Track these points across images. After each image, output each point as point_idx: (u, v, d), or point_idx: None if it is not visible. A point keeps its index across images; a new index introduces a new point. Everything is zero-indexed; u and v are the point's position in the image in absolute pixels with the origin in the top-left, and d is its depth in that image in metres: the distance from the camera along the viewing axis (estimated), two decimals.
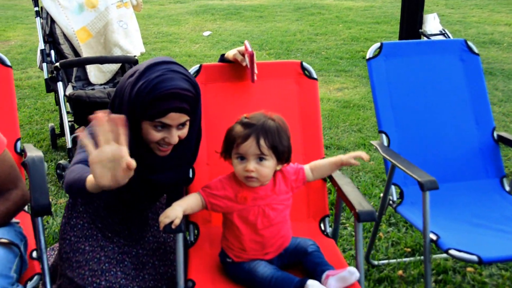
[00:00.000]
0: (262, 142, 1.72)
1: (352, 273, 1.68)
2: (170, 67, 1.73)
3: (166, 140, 1.75)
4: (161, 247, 2.10)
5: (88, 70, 3.76)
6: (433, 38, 5.57)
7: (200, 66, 2.27)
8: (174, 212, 1.75)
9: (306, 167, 1.95)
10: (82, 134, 1.42)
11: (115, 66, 3.78)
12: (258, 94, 2.28)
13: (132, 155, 1.46)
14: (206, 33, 7.88)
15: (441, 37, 5.69)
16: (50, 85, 3.61)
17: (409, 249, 2.69)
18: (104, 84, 3.78)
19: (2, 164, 1.83)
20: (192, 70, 2.26)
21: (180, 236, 1.80)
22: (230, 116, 2.24)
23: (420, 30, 6.08)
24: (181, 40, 7.52)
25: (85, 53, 3.73)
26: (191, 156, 2.02)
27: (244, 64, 2.21)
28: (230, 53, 2.27)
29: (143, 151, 1.81)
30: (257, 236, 1.80)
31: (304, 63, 2.33)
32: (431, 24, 6.06)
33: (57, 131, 4.01)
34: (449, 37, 5.54)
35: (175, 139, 1.75)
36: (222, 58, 2.30)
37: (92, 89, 3.55)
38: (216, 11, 9.55)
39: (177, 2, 10.82)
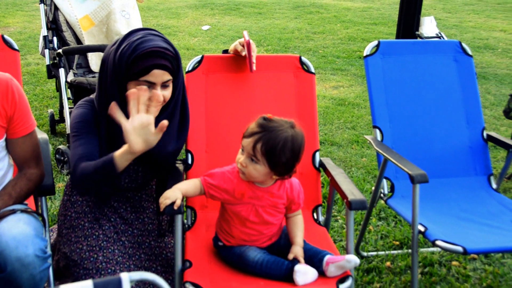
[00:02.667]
0: (258, 146, 1.75)
1: (350, 261, 1.75)
2: (149, 32, 1.87)
3: (152, 98, 1.79)
4: (156, 229, 2.17)
5: (89, 58, 3.81)
6: None
7: (202, 57, 2.34)
8: (174, 194, 1.82)
9: (298, 211, 1.95)
10: (115, 107, 1.66)
11: None
12: (258, 86, 2.36)
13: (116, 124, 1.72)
14: (205, 27, 7.93)
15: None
16: (52, 71, 3.66)
17: (397, 242, 2.78)
18: None
19: (30, 141, 1.94)
20: (194, 60, 2.34)
21: (179, 217, 1.87)
22: (229, 106, 2.33)
23: (416, 33, 6.17)
24: (180, 33, 7.57)
25: (87, 41, 3.79)
26: (179, 125, 2.06)
27: (243, 54, 2.28)
28: (232, 46, 2.34)
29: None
30: (246, 228, 1.87)
31: (302, 58, 2.40)
32: (428, 27, 6.15)
33: (56, 117, 4.06)
34: None
35: (160, 97, 1.84)
36: (225, 52, 2.37)
37: (93, 77, 3.61)
38: (215, 6, 9.61)
39: None
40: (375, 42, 2.56)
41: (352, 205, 1.87)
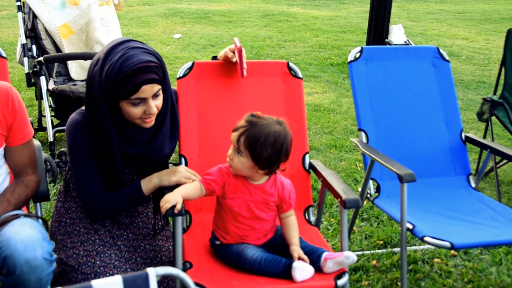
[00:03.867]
0: (242, 139, 1.84)
1: (349, 257, 1.82)
2: (129, 45, 1.86)
3: (147, 112, 1.90)
4: (150, 233, 2.19)
5: (69, 66, 3.80)
6: None
7: (193, 63, 2.39)
8: (175, 197, 1.86)
9: (290, 211, 1.99)
10: None
11: None
12: (248, 91, 2.42)
13: (112, 146, 1.91)
14: (177, 36, 7.96)
15: None
16: (32, 80, 3.63)
17: (381, 242, 2.87)
18: (85, 80, 3.83)
19: (28, 149, 1.97)
20: (185, 67, 2.38)
21: (179, 220, 1.91)
22: (220, 111, 2.38)
23: (386, 40, 6.36)
24: (152, 42, 7.57)
25: (67, 49, 3.78)
26: (171, 126, 2.13)
27: (234, 60, 2.33)
28: (222, 52, 2.39)
29: (131, 130, 1.96)
30: (238, 223, 1.93)
31: (290, 63, 2.48)
32: (396, 34, 6.35)
33: (35, 125, 4.03)
34: None
35: (154, 109, 1.90)
36: (214, 59, 2.43)
37: (74, 85, 3.61)
38: (185, 14, 9.64)
39: (145, 4, 10.85)
40: (358, 48, 2.66)
41: (346, 204, 1.95)
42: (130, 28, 8.46)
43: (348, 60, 2.65)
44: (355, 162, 3.90)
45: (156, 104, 1.91)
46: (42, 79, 3.43)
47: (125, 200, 2.01)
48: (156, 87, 1.88)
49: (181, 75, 2.36)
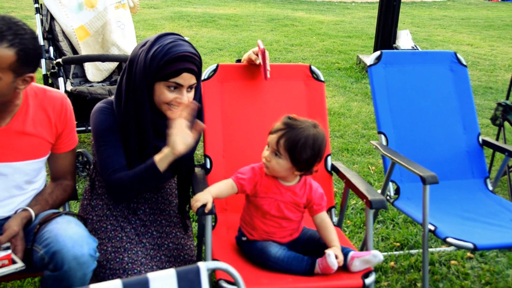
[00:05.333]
0: (281, 142, 1.90)
1: (376, 256, 1.86)
2: (179, 37, 1.98)
3: (178, 100, 1.94)
4: (173, 232, 2.22)
5: (85, 68, 3.84)
6: None
7: (217, 66, 2.43)
8: (205, 197, 1.90)
9: (323, 213, 2.03)
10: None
11: (112, 65, 3.88)
12: (271, 93, 2.46)
13: (146, 120, 1.93)
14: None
15: None
16: (49, 81, 3.67)
17: (397, 244, 2.90)
18: (101, 82, 3.87)
19: (70, 156, 2.04)
20: (209, 69, 2.42)
21: (209, 218, 1.95)
22: (244, 112, 2.42)
23: (393, 45, 6.42)
24: None
25: (83, 51, 3.82)
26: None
27: (258, 62, 2.37)
28: (245, 55, 2.43)
29: (156, 117, 1.99)
30: (266, 220, 1.98)
31: (312, 67, 2.52)
32: (404, 39, 6.42)
33: None
34: None
35: (185, 99, 1.94)
36: (238, 62, 2.47)
37: (91, 86, 3.64)
38: (191, 18, 9.69)
39: (150, 7, 10.89)
40: (377, 53, 2.71)
41: (372, 204, 1.98)
42: (138, 31, 8.47)
43: (368, 64, 2.69)
44: (368, 165, 3.94)
45: (188, 97, 1.97)
46: (60, 80, 3.46)
47: (140, 178, 1.94)
48: (193, 80, 1.95)
49: (205, 77, 2.40)
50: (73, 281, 1.65)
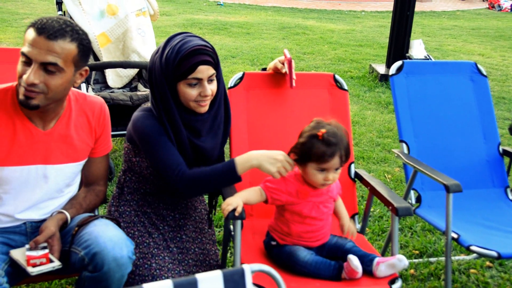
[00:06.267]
0: (344, 158, 1.96)
1: (401, 260, 1.89)
2: (187, 34, 2.02)
3: (202, 93, 1.98)
4: (199, 237, 2.27)
5: (106, 74, 3.90)
6: None
7: (243, 74, 2.48)
8: (236, 201, 1.94)
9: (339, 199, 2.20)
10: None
11: (133, 72, 3.94)
12: (295, 101, 2.50)
13: (177, 121, 1.97)
14: None
15: None
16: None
17: (417, 251, 2.93)
18: (121, 88, 3.93)
19: (105, 161, 2.09)
20: (235, 77, 2.47)
21: (238, 223, 1.99)
22: (269, 120, 2.46)
23: (406, 54, 6.46)
24: None
25: (104, 58, 3.88)
26: (223, 121, 2.19)
27: (283, 71, 2.42)
28: (271, 64, 2.48)
29: (186, 115, 2.03)
30: (305, 225, 2.02)
31: (336, 76, 2.57)
32: (417, 49, 6.46)
33: None
34: None
35: (208, 91, 1.98)
36: (264, 70, 2.52)
37: (112, 92, 3.70)
38: (203, 25, 9.77)
39: (163, 14, 10.98)
40: (399, 63, 2.75)
41: (398, 212, 2.02)
42: None
43: (390, 73, 2.73)
44: (384, 174, 3.97)
45: (211, 88, 2.00)
46: (83, 86, 3.52)
47: (215, 176, 1.97)
48: (211, 70, 1.97)
49: (231, 85, 2.44)
50: (111, 282, 1.70)
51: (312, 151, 1.92)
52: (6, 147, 1.80)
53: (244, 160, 1.96)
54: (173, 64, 1.93)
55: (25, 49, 1.70)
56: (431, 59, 6.35)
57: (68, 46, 1.71)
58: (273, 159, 1.93)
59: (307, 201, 1.99)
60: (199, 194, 2.10)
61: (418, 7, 11.37)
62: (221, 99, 2.13)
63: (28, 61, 1.70)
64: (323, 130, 1.93)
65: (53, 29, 1.69)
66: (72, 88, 1.91)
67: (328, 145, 1.91)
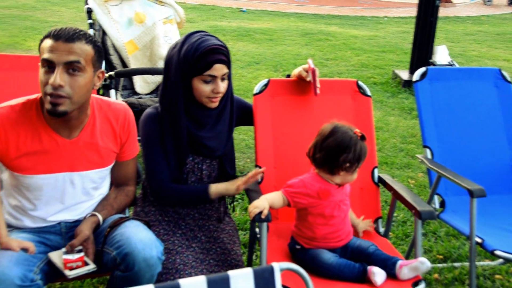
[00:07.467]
0: (360, 162, 2.09)
1: (424, 263, 1.93)
2: (204, 33, 2.15)
3: (215, 90, 2.11)
4: (220, 237, 2.32)
5: (134, 80, 4.00)
6: None
7: (268, 81, 2.53)
8: (262, 204, 2.00)
9: None
10: None
11: (160, 78, 4.03)
12: (320, 107, 2.55)
13: (190, 116, 2.13)
14: None
15: None
16: (101, 92, 3.83)
17: (441, 256, 2.95)
18: (148, 94, 4.02)
19: (133, 163, 2.18)
20: (261, 83, 2.53)
21: (264, 225, 2.04)
22: (294, 126, 2.52)
23: (430, 60, 6.45)
24: None
25: (132, 64, 3.98)
26: (228, 119, 2.30)
27: (308, 79, 2.47)
28: (295, 71, 2.54)
29: (195, 108, 2.16)
30: (328, 226, 2.07)
31: (359, 82, 2.61)
32: (441, 55, 6.43)
33: None
34: None
35: (221, 88, 2.11)
36: (288, 77, 2.57)
37: (140, 98, 3.79)
38: (226, 32, 9.88)
39: (187, 21, 11.06)
40: (423, 69, 2.78)
41: (422, 215, 2.05)
42: None
43: (413, 79, 2.76)
44: (407, 179, 3.98)
45: (223, 86, 2.13)
46: (112, 92, 3.61)
47: (190, 197, 2.19)
48: (225, 69, 2.11)
49: (257, 92, 2.51)
50: (141, 281, 1.77)
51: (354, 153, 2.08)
52: (34, 157, 1.88)
53: (215, 188, 2.18)
54: (191, 60, 2.05)
55: (45, 55, 1.77)
56: (455, 65, 6.32)
57: (85, 47, 1.81)
58: (233, 182, 2.17)
59: (328, 201, 2.05)
60: (173, 206, 2.25)
61: (442, 12, 11.32)
62: (228, 98, 2.26)
63: (50, 67, 1.77)
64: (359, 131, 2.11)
65: (68, 33, 1.79)
66: (96, 96, 1.99)
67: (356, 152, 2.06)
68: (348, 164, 2.02)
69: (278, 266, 1.25)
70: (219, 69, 2.07)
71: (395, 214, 3.37)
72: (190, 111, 2.15)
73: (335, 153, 2.03)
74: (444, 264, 2.87)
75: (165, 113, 2.15)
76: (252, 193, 2.17)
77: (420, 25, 6.49)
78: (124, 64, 4.01)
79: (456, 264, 2.87)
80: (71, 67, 1.78)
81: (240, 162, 4.14)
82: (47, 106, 1.80)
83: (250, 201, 2.08)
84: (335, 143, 2.03)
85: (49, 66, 1.78)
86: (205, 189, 2.16)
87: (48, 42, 1.79)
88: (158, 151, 2.14)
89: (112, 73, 3.58)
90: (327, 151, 2.04)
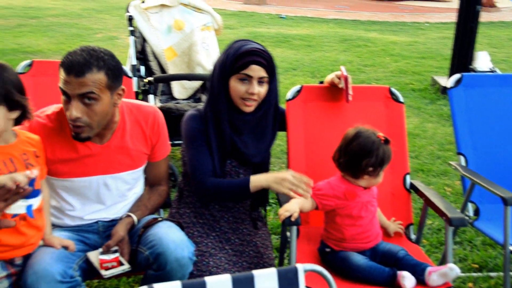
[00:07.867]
0: (385, 164, 2.13)
1: (453, 269, 1.92)
2: (249, 40, 2.25)
3: (249, 91, 2.15)
4: (253, 241, 2.36)
5: (172, 86, 4.10)
6: None
7: (301, 87, 2.57)
8: (293, 207, 2.04)
9: None
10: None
11: (197, 84, 4.12)
12: (352, 114, 2.57)
13: (222, 112, 2.18)
14: None
15: None
16: (140, 97, 3.95)
17: (476, 265, 2.91)
18: (186, 99, 4.12)
19: (164, 163, 2.26)
20: (293, 89, 2.57)
21: (294, 229, 2.08)
22: (326, 131, 2.54)
23: (470, 67, 6.34)
24: None
25: (171, 70, 4.09)
26: (269, 128, 2.35)
27: (340, 86, 2.50)
28: (328, 78, 2.57)
29: (231, 112, 2.21)
30: (356, 227, 2.10)
31: (392, 88, 2.62)
32: (482, 61, 6.31)
33: None
34: None
35: (255, 89, 2.15)
36: (321, 83, 2.60)
37: (177, 103, 3.89)
38: (265, 38, 9.95)
39: (226, 27, 11.23)
40: (457, 76, 2.76)
41: (452, 222, 2.05)
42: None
43: (448, 86, 2.74)
44: (443, 187, 3.94)
45: (259, 90, 2.17)
46: (151, 97, 3.73)
47: (231, 190, 2.17)
48: (263, 73, 2.16)
49: (290, 97, 2.55)
50: (173, 281, 1.82)
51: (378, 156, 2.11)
52: (69, 163, 1.99)
53: (256, 179, 2.13)
54: (231, 59, 2.15)
55: (61, 85, 1.85)
56: (496, 71, 6.19)
57: (97, 76, 1.84)
58: (280, 179, 2.08)
59: (355, 202, 2.07)
60: (214, 201, 2.27)
61: (486, 17, 11.11)
62: (269, 108, 2.29)
63: (67, 97, 1.86)
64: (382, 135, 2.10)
65: (79, 65, 1.81)
66: (126, 100, 2.07)
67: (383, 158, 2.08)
68: (371, 168, 2.04)
69: (302, 267, 1.29)
70: (255, 70, 2.13)
71: (430, 222, 3.34)
72: (229, 114, 2.22)
73: (358, 157, 2.05)
74: (480, 274, 2.83)
75: (210, 115, 2.22)
76: (283, 196, 2.21)
77: (460, 30, 6.39)
78: (163, 70, 4.12)
79: (492, 274, 2.82)
80: (86, 97, 1.84)
81: (275, 167, 4.17)
82: (71, 132, 1.92)
83: (281, 205, 2.12)
84: (358, 148, 2.06)
85: (66, 95, 1.86)
86: (246, 180, 2.14)
87: (62, 74, 1.84)
88: (203, 148, 2.20)
89: (151, 78, 3.70)
90: (351, 155, 2.08)
